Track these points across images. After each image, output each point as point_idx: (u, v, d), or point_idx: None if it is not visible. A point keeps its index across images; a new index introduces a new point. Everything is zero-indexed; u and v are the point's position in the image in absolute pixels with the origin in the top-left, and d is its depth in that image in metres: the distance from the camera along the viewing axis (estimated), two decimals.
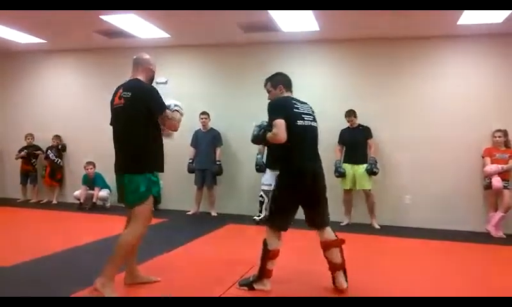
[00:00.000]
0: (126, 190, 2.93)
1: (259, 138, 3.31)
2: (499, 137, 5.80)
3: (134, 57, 3.21)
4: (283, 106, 3.15)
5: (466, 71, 6.21)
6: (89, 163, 7.19)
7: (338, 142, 6.26)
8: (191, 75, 7.18)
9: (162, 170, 3.09)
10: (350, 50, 6.59)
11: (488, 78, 6.12)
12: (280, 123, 3.02)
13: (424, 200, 6.23)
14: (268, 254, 3.16)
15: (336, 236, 3.23)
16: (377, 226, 5.98)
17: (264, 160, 6.38)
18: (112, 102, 3.11)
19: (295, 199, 3.15)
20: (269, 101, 3.28)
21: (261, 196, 6.41)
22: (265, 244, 3.19)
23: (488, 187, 5.76)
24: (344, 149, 6.27)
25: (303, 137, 3.13)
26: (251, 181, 6.84)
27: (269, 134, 3.15)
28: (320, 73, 6.70)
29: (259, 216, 6.35)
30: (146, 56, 3.22)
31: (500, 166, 5.64)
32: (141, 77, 3.11)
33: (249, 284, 3.22)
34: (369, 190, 6.04)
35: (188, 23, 6.06)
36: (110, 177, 7.07)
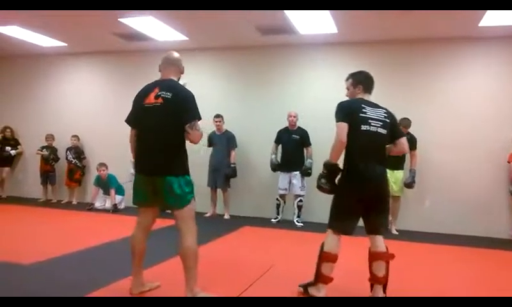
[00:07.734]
0: (175, 192, 2.82)
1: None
2: None
3: (165, 55, 3.06)
4: (349, 109, 3.07)
5: (487, 74, 6.06)
6: (101, 164, 7.11)
7: None
8: (207, 78, 7.18)
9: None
10: (367, 53, 6.48)
11: (510, 81, 5.95)
12: (342, 127, 2.99)
13: (445, 205, 6.09)
14: (322, 256, 3.03)
15: (386, 247, 3.14)
16: (395, 232, 5.86)
17: (279, 159, 6.38)
18: (141, 99, 2.94)
19: (353, 203, 3.02)
20: (339, 102, 3.16)
21: (277, 199, 6.44)
22: (321, 245, 3.09)
23: None
24: None
25: (364, 142, 3.01)
26: (266, 183, 6.82)
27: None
28: (338, 75, 6.55)
29: (276, 218, 6.43)
30: (178, 55, 3.07)
31: None
32: (173, 78, 2.99)
33: (305, 287, 3.13)
34: (399, 196, 5.92)
35: (205, 26, 6.08)
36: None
